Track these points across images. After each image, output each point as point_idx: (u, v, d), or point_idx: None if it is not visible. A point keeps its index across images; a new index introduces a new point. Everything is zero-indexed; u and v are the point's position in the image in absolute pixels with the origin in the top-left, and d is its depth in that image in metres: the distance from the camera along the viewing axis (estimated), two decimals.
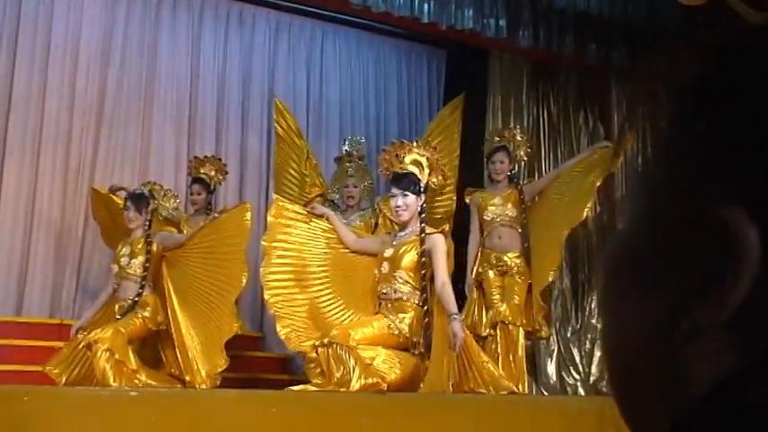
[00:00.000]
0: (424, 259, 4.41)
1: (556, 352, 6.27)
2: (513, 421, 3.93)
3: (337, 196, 5.85)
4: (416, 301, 4.41)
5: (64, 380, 4.68)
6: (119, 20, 6.52)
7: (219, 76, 6.85)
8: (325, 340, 4.16)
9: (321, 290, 4.69)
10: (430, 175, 4.63)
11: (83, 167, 6.24)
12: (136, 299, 4.90)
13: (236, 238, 4.81)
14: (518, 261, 5.17)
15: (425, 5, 5.87)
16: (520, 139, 5.49)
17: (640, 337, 0.40)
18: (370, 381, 4.02)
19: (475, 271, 5.24)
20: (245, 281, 4.70)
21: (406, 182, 4.50)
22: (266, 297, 4.64)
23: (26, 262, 6.00)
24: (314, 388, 4.20)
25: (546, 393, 6.02)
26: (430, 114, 7.04)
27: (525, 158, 5.71)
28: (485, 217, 5.30)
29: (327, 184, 5.93)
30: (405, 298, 4.41)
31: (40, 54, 6.20)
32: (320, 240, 4.82)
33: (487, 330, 5.00)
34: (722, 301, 0.36)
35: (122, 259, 5.01)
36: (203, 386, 4.57)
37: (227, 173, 5.91)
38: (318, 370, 4.27)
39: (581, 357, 6.30)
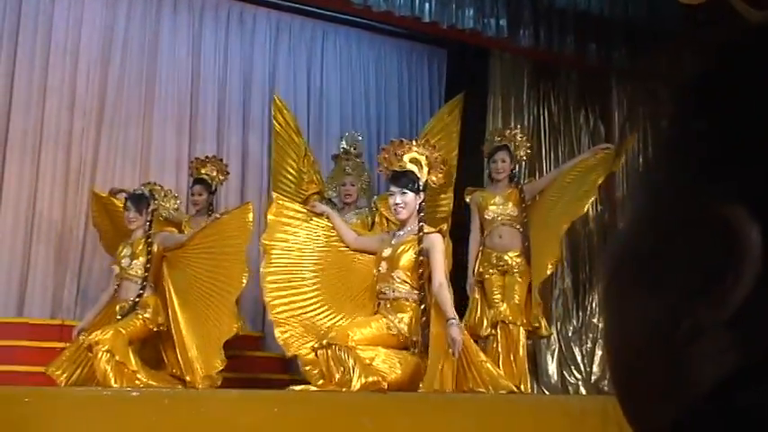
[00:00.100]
0: (421, 258, 4.41)
1: (557, 351, 6.27)
2: (515, 421, 3.93)
3: (334, 194, 5.85)
4: (415, 301, 4.41)
5: (66, 381, 4.68)
6: (119, 20, 6.51)
7: (220, 76, 6.84)
8: (324, 342, 4.17)
9: (319, 293, 4.66)
10: (429, 173, 4.62)
11: (83, 167, 6.23)
12: (137, 300, 4.89)
13: (237, 238, 4.80)
14: (519, 260, 5.17)
15: (426, 5, 5.86)
16: (520, 139, 5.50)
17: (642, 337, 0.40)
18: (370, 380, 4.02)
19: (476, 270, 5.24)
20: (245, 281, 4.70)
21: (405, 180, 4.49)
22: (266, 300, 4.63)
23: (27, 263, 5.99)
24: (315, 388, 4.20)
25: (547, 393, 6.01)
26: (431, 114, 7.01)
27: (525, 159, 5.72)
28: (485, 216, 5.30)
29: (325, 182, 5.92)
30: (403, 298, 4.41)
31: (41, 54, 6.19)
32: (320, 239, 4.81)
33: (488, 330, 5.00)
34: (724, 300, 0.36)
35: (123, 260, 5.01)
36: (201, 386, 4.56)
37: (228, 173, 5.91)
38: (317, 371, 4.28)
39: (582, 356, 6.29)
